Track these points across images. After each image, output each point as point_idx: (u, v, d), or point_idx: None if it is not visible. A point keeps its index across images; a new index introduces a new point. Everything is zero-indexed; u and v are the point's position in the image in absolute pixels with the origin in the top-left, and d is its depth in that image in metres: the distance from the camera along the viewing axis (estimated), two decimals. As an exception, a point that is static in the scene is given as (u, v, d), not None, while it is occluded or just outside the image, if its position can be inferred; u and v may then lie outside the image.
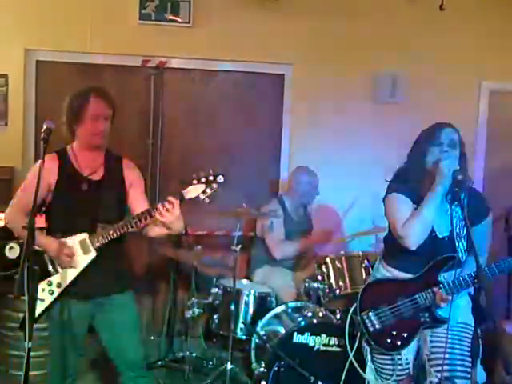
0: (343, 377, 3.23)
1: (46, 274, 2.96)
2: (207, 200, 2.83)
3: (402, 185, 2.97)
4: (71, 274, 2.95)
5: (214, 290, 4.36)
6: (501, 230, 4.35)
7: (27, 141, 5.12)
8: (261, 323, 4.06)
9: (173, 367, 4.45)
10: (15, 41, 5.02)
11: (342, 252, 4.35)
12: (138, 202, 3.14)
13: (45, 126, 2.78)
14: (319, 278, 4.17)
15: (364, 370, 3.12)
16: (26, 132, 5.12)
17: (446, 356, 2.82)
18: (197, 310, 4.35)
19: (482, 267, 2.58)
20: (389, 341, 2.92)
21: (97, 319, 3.07)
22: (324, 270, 4.18)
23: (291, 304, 4.15)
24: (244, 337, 4.19)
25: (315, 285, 4.14)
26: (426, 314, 2.87)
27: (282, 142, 5.37)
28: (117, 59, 5.16)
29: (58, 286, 2.95)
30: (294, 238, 4.64)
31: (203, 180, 2.83)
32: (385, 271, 3.07)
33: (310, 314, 3.97)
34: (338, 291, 4.09)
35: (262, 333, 4.00)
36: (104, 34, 5.06)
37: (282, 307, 4.12)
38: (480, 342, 2.70)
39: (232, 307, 4.12)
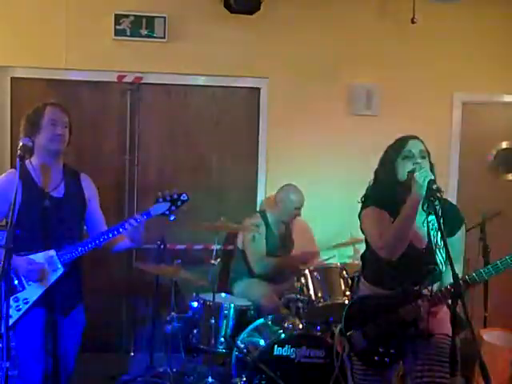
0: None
1: (12, 291, 2.98)
2: (172, 217, 3.14)
3: (377, 198, 3.00)
4: (38, 290, 3.01)
5: (194, 304, 4.36)
6: (475, 239, 4.41)
7: (3, 158, 5.06)
8: (241, 336, 4.07)
9: (153, 382, 4.44)
10: (-11, 58, 5.00)
11: (321, 264, 4.38)
12: (95, 216, 3.32)
13: (21, 143, 2.81)
14: (298, 289, 4.19)
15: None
16: (2, 149, 5.07)
17: (426, 368, 2.84)
18: (177, 325, 4.35)
19: (458, 276, 2.60)
20: (376, 358, 2.89)
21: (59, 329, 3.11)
22: (303, 281, 4.20)
23: (271, 316, 4.16)
24: (224, 350, 4.20)
25: (294, 296, 4.17)
26: (412, 329, 2.84)
27: (258, 155, 5.38)
28: (92, 75, 5.16)
29: (25, 302, 3.00)
30: (276, 254, 4.67)
31: (168, 198, 3.12)
32: (366, 288, 3.05)
33: (290, 327, 3.99)
34: (317, 303, 4.12)
35: (242, 346, 4.01)
36: (79, 50, 5.05)
37: (262, 320, 4.13)
38: (458, 352, 2.71)
39: (212, 321, 4.13)
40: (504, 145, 5.56)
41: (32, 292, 3.00)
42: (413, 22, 5.15)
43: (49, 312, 3.04)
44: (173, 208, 3.14)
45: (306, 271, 4.19)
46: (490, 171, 5.56)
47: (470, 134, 5.50)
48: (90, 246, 3.06)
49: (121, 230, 3.08)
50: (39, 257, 3.02)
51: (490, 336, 3.87)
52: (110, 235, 3.09)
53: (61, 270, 3.02)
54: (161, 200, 3.12)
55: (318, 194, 5.09)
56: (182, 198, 3.16)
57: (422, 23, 5.18)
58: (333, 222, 5.06)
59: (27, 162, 3.12)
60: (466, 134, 5.50)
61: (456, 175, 5.45)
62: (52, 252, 3.03)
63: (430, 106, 5.33)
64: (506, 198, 5.30)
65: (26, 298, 2.99)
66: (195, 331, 4.27)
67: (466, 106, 5.49)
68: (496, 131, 5.56)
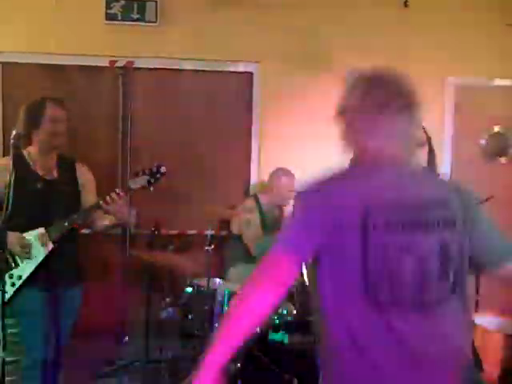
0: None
1: (7, 268, 3.13)
2: (152, 188, 3.31)
3: None
4: (31, 266, 3.16)
5: (188, 289, 4.37)
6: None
7: (-7, 143, 5.04)
8: (235, 322, 4.07)
9: (149, 368, 4.45)
10: (-21, 43, 4.95)
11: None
12: (90, 201, 3.40)
13: (14, 132, 2.83)
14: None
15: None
16: (-8, 134, 5.04)
17: None
18: (171, 311, 4.36)
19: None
20: None
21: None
22: (297, 267, 4.19)
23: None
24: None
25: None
26: None
27: (251, 140, 5.38)
28: (84, 60, 5.13)
29: (19, 278, 3.14)
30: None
31: (147, 172, 3.30)
32: None
33: (284, 312, 3.99)
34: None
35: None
36: (70, 35, 5.03)
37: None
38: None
39: (206, 307, 4.14)
40: (496, 129, 5.57)
41: (25, 268, 3.15)
42: (406, 5, 5.15)
43: (45, 289, 3.19)
44: (152, 180, 3.30)
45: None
46: (482, 155, 5.57)
47: (463, 118, 5.50)
48: (74, 220, 3.22)
49: (101, 203, 3.20)
50: (30, 234, 3.17)
51: (481, 320, 3.88)
52: (93, 209, 3.25)
53: (50, 246, 3.17)
54: (140, 173, 3.30)
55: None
56: (160, 170, 3.31)
57: (415, 7, 5.16)
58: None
59: (25, 151, 3.27)
60: (458, 119, 5.50)
61: (449, 159, 5.46)
62: (42, 229, 3.18)
63: (423, 91, 5.30)
64: (498, 182, 5.31)
65: (20, 274, 3.14)
66: (190, 317, 4.27)
67: (458, 90, 5.48)
68: (489, 115, 5.56)
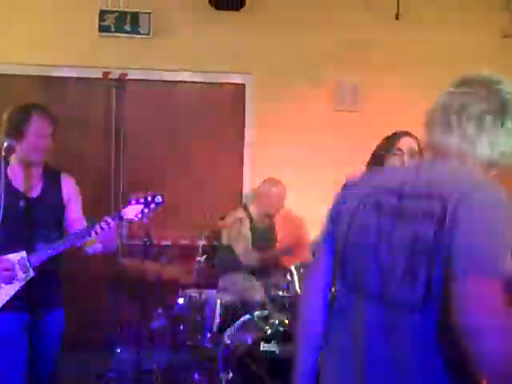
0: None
1: None
2: (145, 220, 3.07)
3: None
4: (8, 293, 2.95)
5: (180, 300, 4.36)
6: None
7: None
8: (227, 332, 4.07)
9: (140, 379, 4.44)
10: (-28, 54, 4.96)
11: (307, 259, 4.39)
12: (73, 216, 3.23)
13: (5, 144, 2.77)
14: (284, 286, 4.19)
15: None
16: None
17: None
18: (163, 321, 4.35)
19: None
20: None
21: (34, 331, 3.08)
22: (289, 278, 4.20)
23: (257, 313, 4.17)
24: (211, 346, 4.20)
25: (280, 293, 4.17)
26: None
27: (243, 151, 5.40)
28: (77, 72, 5.15)
29: None
30: (258, 248, 4.68)
31: (141, 201, 3.04)
32: None
33: (276, 323, 3.99)
34: (302, 299, 4.12)
35: (228, 342, 4.01)
36: (64, 47, 5.04)
37: (248, 316, 4.14)
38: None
39: (198, 317, 4.13)
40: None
41: (2, 294, 2.95)
42: (397, 18, 5.19)
43: (23, 315, 3.00)
44: (146, 211, 3.07)
45: (292, 267, 4.19)
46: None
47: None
48: (59, 248, 2.99)
49: (92, 232, 2.98)
50: (11, 258, 2.95)
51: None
52: (80, 237, 3.02)
53: (31, 273, 2.96)
54: (133, 202, 3.05)
55: (303, 190, 5.10)
56: (156, 200, 3.07)
57: (405, 19, 5.20)
58: (317, 216, 5.05)
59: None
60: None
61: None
62: (23, 253, 2.95)
63: (415, 102, 5.33)
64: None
65: None
66: (181, 327, 4.27)
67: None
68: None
